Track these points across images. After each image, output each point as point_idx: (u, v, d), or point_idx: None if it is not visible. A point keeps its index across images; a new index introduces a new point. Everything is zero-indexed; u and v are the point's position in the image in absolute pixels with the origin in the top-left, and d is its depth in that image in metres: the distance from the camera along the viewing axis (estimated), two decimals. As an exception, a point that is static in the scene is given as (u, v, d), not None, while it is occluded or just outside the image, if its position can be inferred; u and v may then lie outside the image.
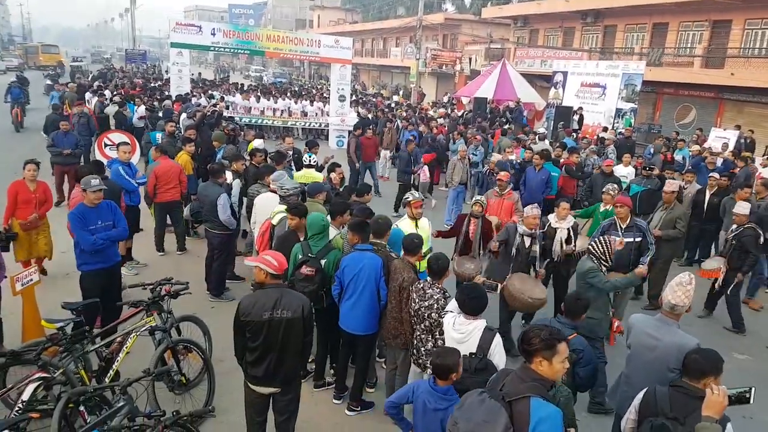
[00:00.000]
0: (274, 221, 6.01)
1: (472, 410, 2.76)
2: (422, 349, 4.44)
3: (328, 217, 5.47)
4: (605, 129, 16.91)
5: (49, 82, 28.21)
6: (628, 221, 6.53)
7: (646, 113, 22.77)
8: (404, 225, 5.90)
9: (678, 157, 13.35)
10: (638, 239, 6.44)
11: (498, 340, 3.88)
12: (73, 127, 11.53)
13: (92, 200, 5.37)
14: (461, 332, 3.95)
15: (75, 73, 33.21)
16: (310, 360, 5.52)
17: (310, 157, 8.22)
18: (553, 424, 2.56)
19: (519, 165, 10.37)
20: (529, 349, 2.75)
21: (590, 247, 5.35)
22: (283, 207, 5.95)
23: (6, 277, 5.36)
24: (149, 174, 8.17)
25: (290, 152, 9.30)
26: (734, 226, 7.31)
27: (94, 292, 5.22)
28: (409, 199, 5.99)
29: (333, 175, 7.78)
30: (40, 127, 15.19)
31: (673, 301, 3.74)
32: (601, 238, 5.40)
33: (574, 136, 16.16)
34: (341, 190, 7.58)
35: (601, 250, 5.23)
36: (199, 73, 27.31)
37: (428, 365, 4.29)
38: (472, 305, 3.96)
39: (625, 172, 10.58)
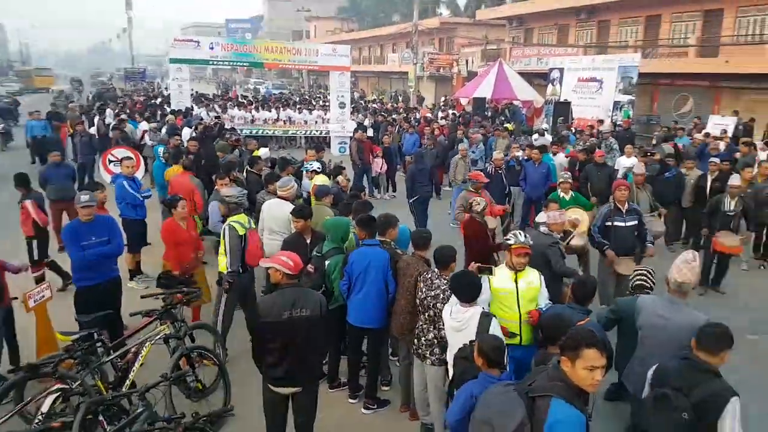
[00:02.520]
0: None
1: (492, 399, 2.76)
2: (423, 338, 4.48)
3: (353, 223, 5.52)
4: (600, 122, 16.95)
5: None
6: (626, 205, 6.63)
7: (644, 105, 22.80)
8: (501, 277, 4.52)
9: (678, 145, 13.40)
10: (636, 222, 6.60)
11: (495, 324, 3.91)
12: (61, 159, 9.77)
13: (84, 215, 5.43)
14: (458, 320, 3.99)
15: (69, 96, 33.62)
16: (324, 362, 5.60)
17: (311, 164, 8.31)
18: (569, 429, 2.45)
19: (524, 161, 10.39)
20: (559, 344, 2.68)
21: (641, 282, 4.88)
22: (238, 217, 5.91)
23: (16, 298, 5.42)
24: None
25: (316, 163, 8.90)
26: (731, 201, 7.67)
27: (89, 308, 5.18)
28: (510, 243, 4.53)
29: (340, 178, 7.87)
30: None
31: (679, 279, 3.77)
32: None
33: (574, 131, 16.23)
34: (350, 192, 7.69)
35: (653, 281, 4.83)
36: (196, 92, 27.51)
37: (427, 355, 4.40)
38: (465, 292, 4.01)
39: (628, 163, 10.58)
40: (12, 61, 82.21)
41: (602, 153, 9.95)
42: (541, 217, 6.20)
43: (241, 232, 5.70)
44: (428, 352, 4.43)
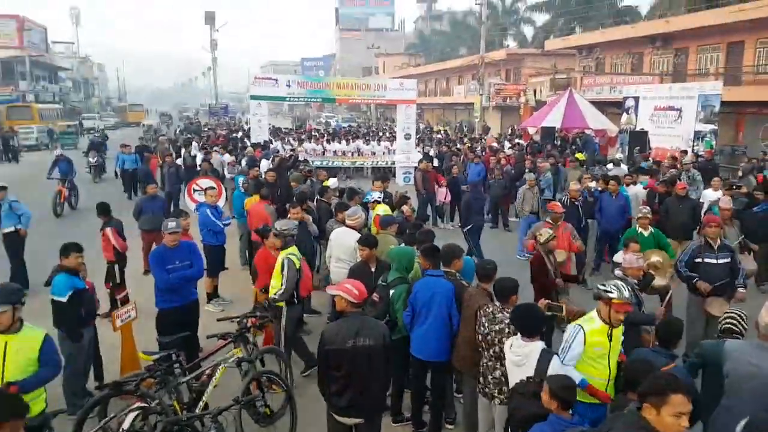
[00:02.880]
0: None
1: None
2: (489, 377, 4.34)
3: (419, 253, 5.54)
4: (684, 152, 16.10)
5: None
6: (719, 241, 6.25)
7: (727, 134, 21.55)
8: (594, 331, 3.99)
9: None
10: (729, 260, 6.19)
11: (556, 362, 3.78)
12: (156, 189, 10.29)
13: (170, 241, 5.79)
14: (518, 354, 3.89)
15: (158, 130, 35.83)
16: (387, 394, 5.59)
17: (369, 195, 8.50)
18: None
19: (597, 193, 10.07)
20: (639, 390, 2.57)
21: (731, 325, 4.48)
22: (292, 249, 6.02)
23: (100, 315, 5.80)
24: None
25: (380, 194, 9.10)
26: None
27: (170, 330, 5.46)
28: (611, 296, 3.92)
29: (405, 207, 7.96)
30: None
31: (771, 322, 3.52)
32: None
33: (651, 161, 15.56)
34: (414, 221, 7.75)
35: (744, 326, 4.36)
36: (273, 126, 28.95)
37: (495, 394, 4.25)
38: (527, 325, 3.91)
39: (714, 196, 9.92)
40: (110, 98, 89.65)
41: (684, 185, 9.43)
42: (618, 258, 5.90)
43: (298, 265, 5.88)
44: (496, 391, 4.28)
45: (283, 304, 5.88)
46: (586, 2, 35.43)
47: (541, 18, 42.72)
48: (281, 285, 5.78)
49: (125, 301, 7.25)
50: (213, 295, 8.31)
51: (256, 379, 5.05)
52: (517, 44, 45.44)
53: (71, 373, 5.35)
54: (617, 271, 5.61)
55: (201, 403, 4.87)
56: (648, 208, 8.16)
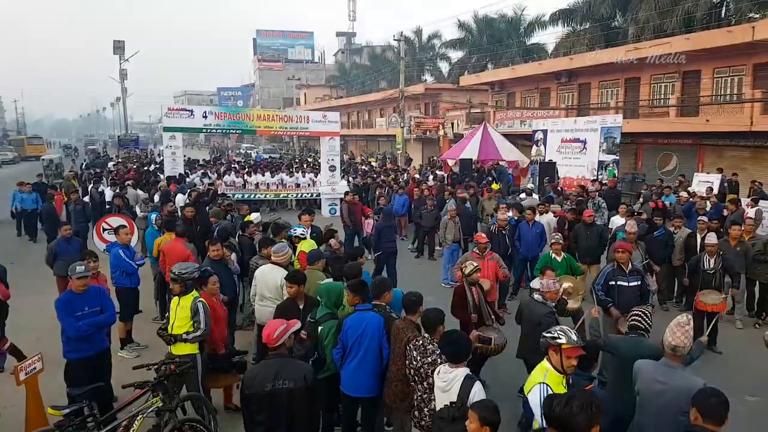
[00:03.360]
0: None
1: None
2: (425, 409, 4.33)
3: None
4: (594, 181, 17.25)
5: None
6: (630, 265, 6.69)
7: (628, 163, 23.43)
8: (552, 384, 3.70)
9: (666, 203, 13.69)
10: (639, 282, 6.67)
11: (477, 387, 3.85)
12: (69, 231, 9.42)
13: (78, 286, 5.45)
14: (444, 380, 3.95)
15: (60, 165, 32.27)
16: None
17: (294, 229, 8.29)
18: None
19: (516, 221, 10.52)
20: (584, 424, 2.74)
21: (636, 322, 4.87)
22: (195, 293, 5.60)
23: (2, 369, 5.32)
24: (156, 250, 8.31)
25: (308, 230, 8.69)
26: (710, 259, 7.93)
27: (80, 381, 5.11)
28: (560, 341, 3.73)
29: (332, 241, 7.91)
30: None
31: (674, 343, 3.81)
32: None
33: (560, 190, 16.56)
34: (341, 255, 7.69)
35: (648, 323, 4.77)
36: (188, 158, 27.84)
37: (431, 426, 4.25)
38: (452, 352, 3.98)
39: (621, 222, 10.64)
40: (8, 131, 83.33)
41: (591, 212, 10.10)
42: (535, 284, 6.16)
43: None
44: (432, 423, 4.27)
45: (196, 348, 5.55)
46: (497, 41, 37.61)
47: (456, 54, 44.90)
48: (194, 328, 5.43)
49: (13, 351, 6.68)
50: (127, 341, 7.81)
51: (178, 428, 4.78)
52: (434, 79, 47.27)
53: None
54: (536, 295, 5.85)
55: (118, 458, 4.55)
56: (560, 234, 8.68)
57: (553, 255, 8.09)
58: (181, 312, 5.45)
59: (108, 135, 78.34)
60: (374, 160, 38.59)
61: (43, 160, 33.51)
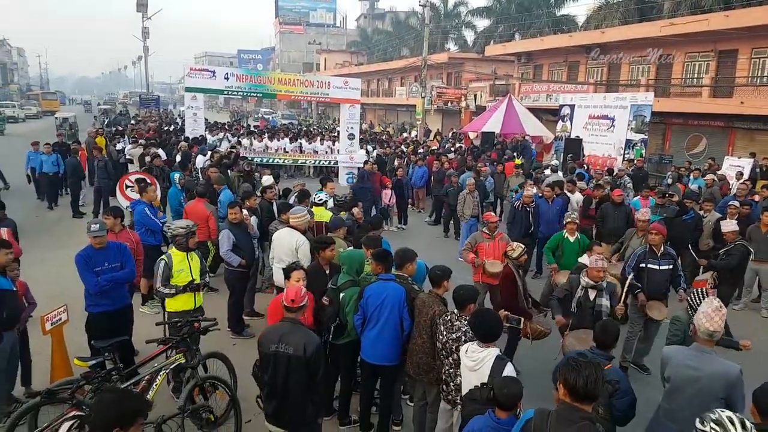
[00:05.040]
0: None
1: None
2: (451, 384, 4.33)
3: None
4: (630, 161, 16.78)
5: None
6: (662, 249, 6.50)
7: (655, 144, 22.88)
8: None
9: (693, 186, 13.35)
10: (671, 266, 6.46)
11: (510, 369, 3.81)
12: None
13: (95, 243, 5.46)
14: (473, 359, 3.90)
15: (74, 124, 30.40)
16: (334, 397, 5.49)
17: (317, 194, 8.32)
18: None
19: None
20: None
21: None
22: (171, 250, 5.63)
23: (32, 316, 5.41)
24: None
25: (330, 197, 8.81)
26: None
27: (101, 334, 5.13)
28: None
29: (355, 210, 7.86)
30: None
31: (711, 328, 3.70)
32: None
33: (586, 167, 16.24)
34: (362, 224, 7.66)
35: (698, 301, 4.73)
36: (209, 120, 27.61)
37: (458, 401, 4.23)
38: (484, 331, 3.93)
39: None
40: (32, 86, 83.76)
41: (620, 192, 9.82)
42: (583, 260, 6.02)
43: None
44: (458, 398, 4.21)
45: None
46: (526, 10, 36.60)
47: (482, 23, 43.81)
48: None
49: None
50: (148, 297, 7.90)
51: (199, 385, 4.83)
52: (458, 48, 46.29)
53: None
54: (582, 277, 5.60)
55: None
56: (576, 213, 8.40)
57: (566, 234, 7.81)
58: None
59: (129, 91, 78.11)
60: (392, 130, 38.25)
61: (56, 118, 31.31)
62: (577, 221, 8.06)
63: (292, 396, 3.87)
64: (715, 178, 13.30)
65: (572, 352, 4.17)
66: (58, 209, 14.05)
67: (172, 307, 5.53)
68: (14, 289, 5.07)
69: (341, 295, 5.15)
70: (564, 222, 8.10)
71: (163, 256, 5.58)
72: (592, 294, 5.50)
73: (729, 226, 7.88)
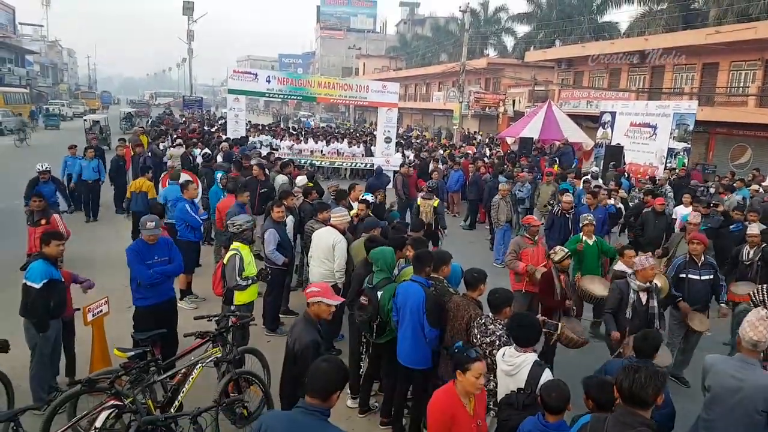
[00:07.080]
0: (225, 260, 5.94)
1: None
2: (485, 387, 4.31)
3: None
4: (672, 170, 16.32)
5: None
6: (702, 258, 6.33)
7: (698, 153, 22.19)
8: None
9: (738, 197, 12.89)
10: (712, 276, 6.29)
11: (547, 375, 3.74)
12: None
13: (148, 239, 5.65)
14: (510, 364, 3.85)
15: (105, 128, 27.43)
16: (372, 393, 5.56)
17: (365, 196, 8.50)
18: None
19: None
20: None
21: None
22: (237, 245, 5.89)
23: (79, 309, 5.61)
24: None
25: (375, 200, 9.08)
26: (750, 251, 7.28)
27: (147, 327, 5.29)
28: None
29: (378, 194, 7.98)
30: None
31: (756, 338, 3.57)
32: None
33: (627, 176, 15.86)
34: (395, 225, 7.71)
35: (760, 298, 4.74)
36: (250, 122, 28.22)
37: (491, 405, 4.16)
38: (522, 336, 3.87)
39: (686, 212, 10.21)
40: (80, 85, 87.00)
41: (662, 200, 9.58)
42: (619, 266, 5.89)
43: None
44: (491, 403, 4.18)
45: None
46: (567, 16, 36.05)
47: (522, 29, 43.38)
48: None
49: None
50: (186, 292, 8.11)
51: (234, 380, 4.92)
52: (497, 54, 45.93)
53: (37, 364, 5.13)
54: (631, 281, 5.45)
55: (176, 403, 4.73)
56: (592, 216, 8.03)
57: (584, 237, 7.51)
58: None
59: (173, 93, 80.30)
60: (428, 135, 38.18)
61: (85, 120, 27.98)
62: (594, 224, 7.71)
63: (287, 387, 3.99)
64: (760, 189, 12.81)
65: (632, 358, 4.09)
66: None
67: (241, 299, 5.80)
68: (62, 279, 5.28)
69: (379, 293, 5.17)
70: (581, 225, 7.79)
71: (234, 251, 5.79)
72: (644, 297, 5.38)
73: (752, 229, 7.57)
